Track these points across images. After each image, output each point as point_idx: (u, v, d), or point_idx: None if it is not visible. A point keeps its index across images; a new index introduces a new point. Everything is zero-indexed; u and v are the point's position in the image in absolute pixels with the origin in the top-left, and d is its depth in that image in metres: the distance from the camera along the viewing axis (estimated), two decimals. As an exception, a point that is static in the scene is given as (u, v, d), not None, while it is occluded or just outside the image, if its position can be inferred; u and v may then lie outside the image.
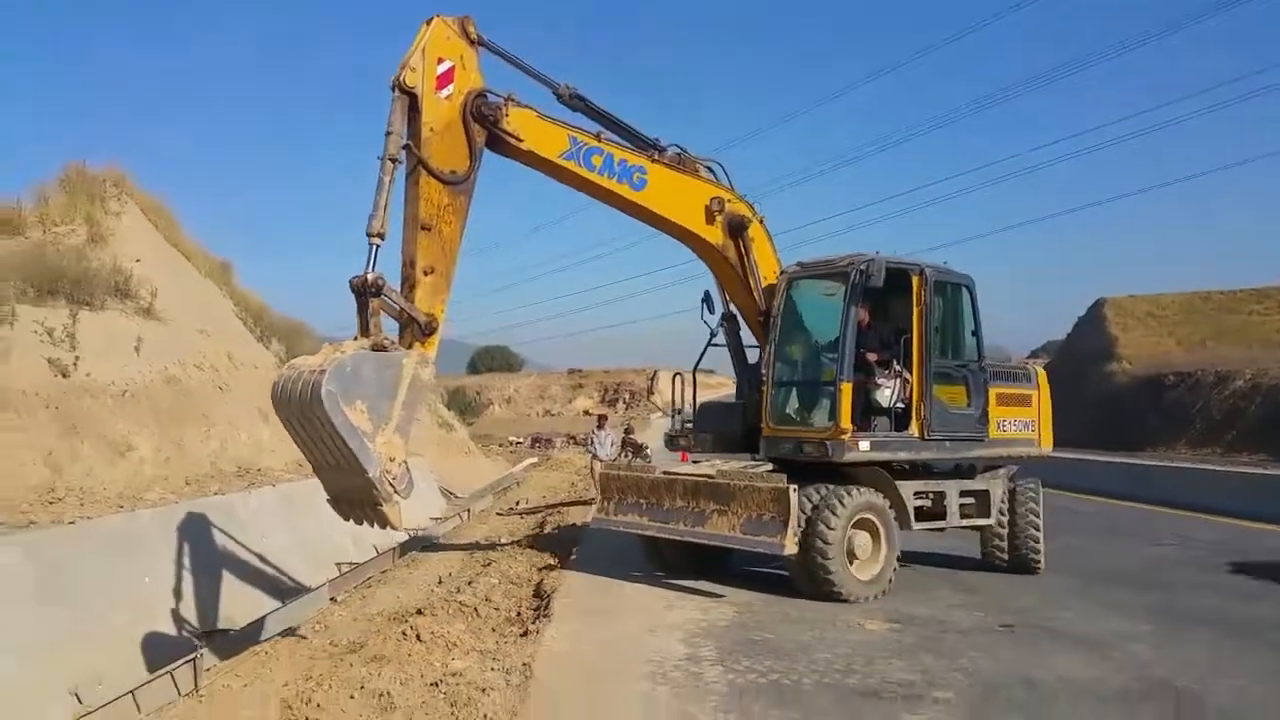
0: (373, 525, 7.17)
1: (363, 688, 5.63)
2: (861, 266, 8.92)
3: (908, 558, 10.48)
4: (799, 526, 8.27)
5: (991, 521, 10.07)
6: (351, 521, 7.42)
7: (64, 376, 13.20)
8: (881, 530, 8.81)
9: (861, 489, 8.80)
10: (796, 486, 8.28)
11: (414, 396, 7.01)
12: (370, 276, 7.04)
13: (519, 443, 53.60)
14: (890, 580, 8.88)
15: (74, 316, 13.99)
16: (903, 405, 9.18)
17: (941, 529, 9.87)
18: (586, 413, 69.96)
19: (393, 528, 7.08)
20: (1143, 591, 9.55)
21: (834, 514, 8.41)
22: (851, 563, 8.61)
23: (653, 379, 71.67)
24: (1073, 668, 6.52)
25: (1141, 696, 5.86)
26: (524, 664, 6.17)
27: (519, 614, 8.32)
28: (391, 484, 6.75)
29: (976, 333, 9.75)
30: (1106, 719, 5.45)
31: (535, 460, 36.82)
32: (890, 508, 8.94)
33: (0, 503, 10.40)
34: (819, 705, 5.52)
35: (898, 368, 9.18)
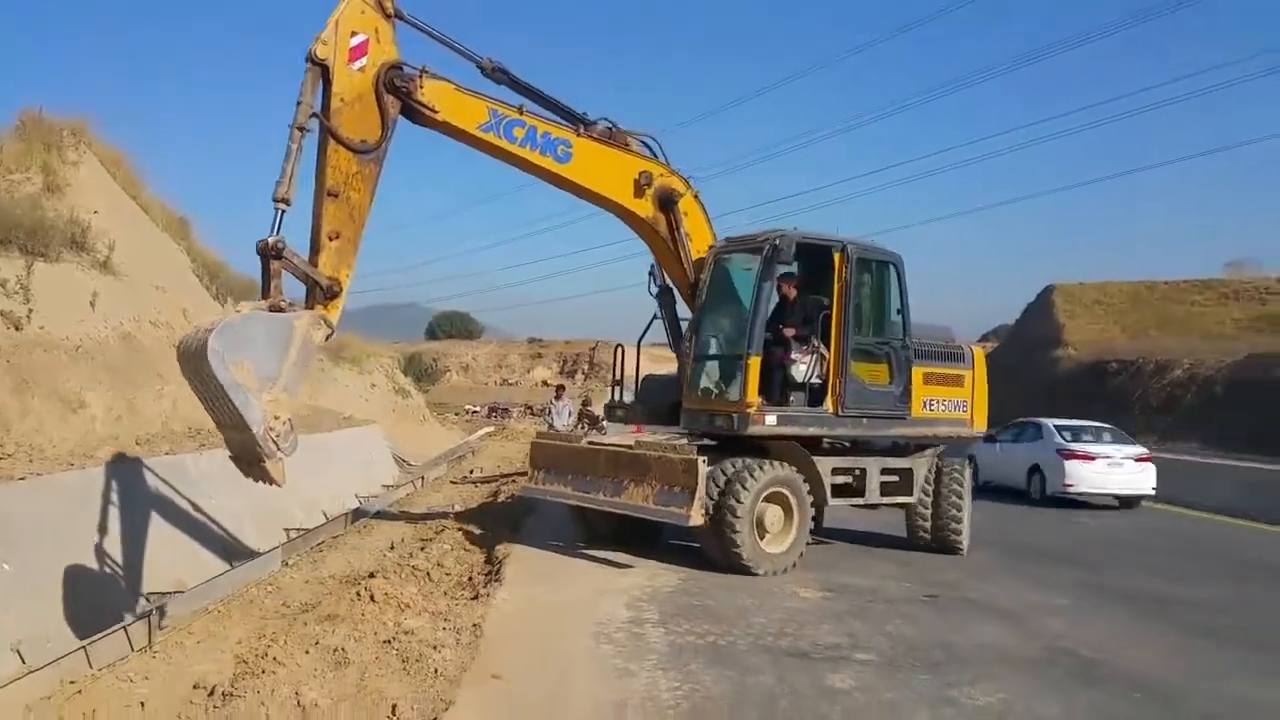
0: (261, 482, 7.31)
1: (317, 644, 5.86)
2: (774, 241, 9.02)
3: (846, 535, 10.92)
4: (705, 498, 8.42)
5: (914, 500, 10.17)
6: (251, 479, 7.50)
7: (17, 329, 13.04)
8: (794, 505, 8.91)
9: (775, 463, 8.90)
10: (705, 458, 8.44)
11: (304, 357, 7.16)
12: (271, 240, 7.28)
13: (475, 411, 53.60)
14: (801, 554, 8.99)
15: (29, 268, 13.74)
16: (819, 381, 9.26)
17: (872, 506, 10.05)
18: (544, 383, 69.87)
19: (276, 484, 7.22)
20: (1063, 567, 10.12)
21: (744, 487, 8.53)
22: (763, 536, 8.74)
23: (593, 350, 71.91)
24: (989, 635, 7.00)
25: (1047, 662, 6.34)
26: (474, 624, 6.45)
27: (470, 579, 8.54)
28: (275, 441, 6.87)
29: (903, 311, 9.77)
30: (1014, 680, 5.86)
31: (491, 429, 36.91)
32: (805, 483, 9.03)
33: (-52, 457, 10.35)
34: (752, 664, 5.89)
35: (816, 343, 9.26)
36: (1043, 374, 45.76)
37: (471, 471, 20.83)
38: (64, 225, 15.51)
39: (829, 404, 9.23)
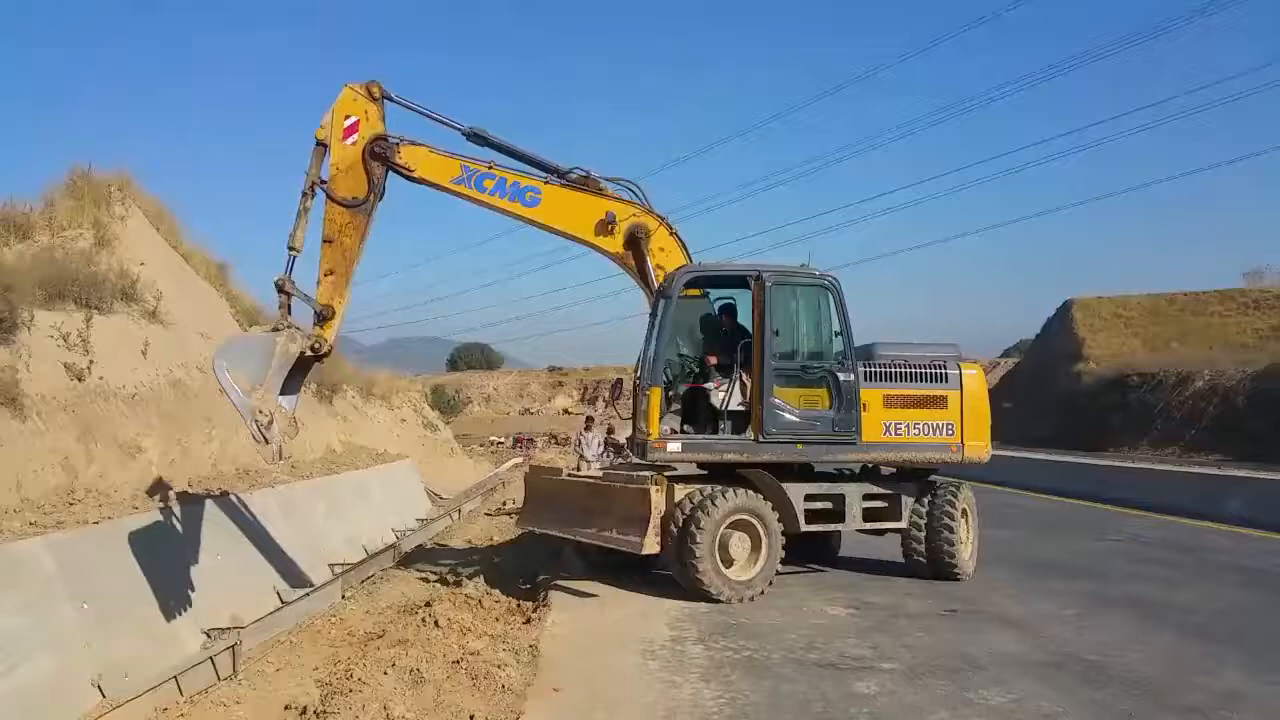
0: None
1: (394, 665, 6.49)
2: (670, 274, 9.67)
3: (872, 562, 11.21)
4: (659, 526, 8.65)
5: (904, 525, 10.00)
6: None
7: (79, 380, 13.80)
8: (762, 532, 8.99)
9: (741, 491, 8.97)
10: (659, 488, 8.76)
11: (282, 364, 9.25)
12: (278, 279, 9.67)
13: (500, 442, 54.28)
14: (770, 581, 9.00)
15: (88, 321, 14.50)
16: (743, 407, 9.35)
17: (876, 532, 10.15)
18: (566, 411, 70.65)
19: (266, 464, 9.25)
20: (1077, 580, 10.54)
21: (705, 515, 8.71)
22: (730, 563, 8.85)
23: (616, 385, 72.34)
24: (1003, 644, 7.50)
25: (1055, 667, 6.87)
26: (530, 645, 7.06)
27: (519, 605, 9.13)
28: (261, 430, 8.88)
29: (843, 333, 9.52)
30: (1023, 683, 6.35)
31: (519, 460, 37.48)
32: (775, 510, 9.07)
33: (26, 504, 11.09)
34: (785, 675, 6.46)
35: (738, 371, 9.38)
36: (1063, 389, 45.80)
37: (505, 504, 21.44)
38: (115, 278, 16.29)
39: (751, 430, 9.28)
